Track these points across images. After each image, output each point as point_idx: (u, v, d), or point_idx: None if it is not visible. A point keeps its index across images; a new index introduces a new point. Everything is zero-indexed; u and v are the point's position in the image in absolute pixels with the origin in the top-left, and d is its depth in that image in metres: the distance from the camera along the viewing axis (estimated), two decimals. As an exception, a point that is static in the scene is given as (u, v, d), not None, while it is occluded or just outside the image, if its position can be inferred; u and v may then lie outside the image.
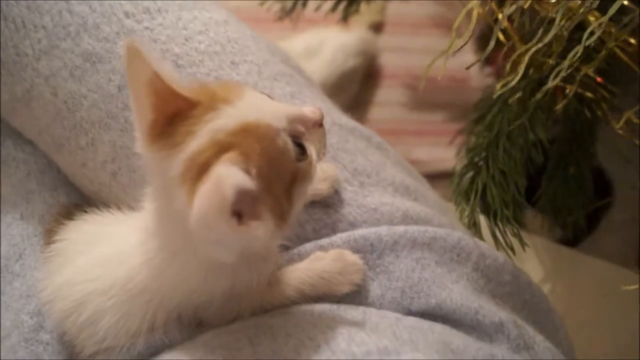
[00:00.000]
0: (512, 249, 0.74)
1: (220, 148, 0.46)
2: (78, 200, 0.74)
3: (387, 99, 1.44)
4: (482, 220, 0.76)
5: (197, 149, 0.47)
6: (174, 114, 0.49)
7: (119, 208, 0.63)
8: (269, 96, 0.54)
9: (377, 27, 1.46)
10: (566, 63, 0.65)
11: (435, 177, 1.25)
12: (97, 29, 0.68)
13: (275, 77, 0.72)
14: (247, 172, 0.45)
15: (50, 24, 0.68)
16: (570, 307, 0.79)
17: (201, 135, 0.48)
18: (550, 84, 0.67)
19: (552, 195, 0.91)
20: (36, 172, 0.75)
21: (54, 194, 0.74)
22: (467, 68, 0.71)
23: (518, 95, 0.71)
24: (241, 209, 0.44)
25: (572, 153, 0.90)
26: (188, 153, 0.47)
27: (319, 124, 0.55)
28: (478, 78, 1.40)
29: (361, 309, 0.60)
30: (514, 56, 0.68)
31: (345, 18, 1.17)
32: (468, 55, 1.21)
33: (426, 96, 1.43)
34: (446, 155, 1.22)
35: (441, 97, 1.42)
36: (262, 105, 0.51)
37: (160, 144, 0.49)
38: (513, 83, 0.66)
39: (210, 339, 0.56)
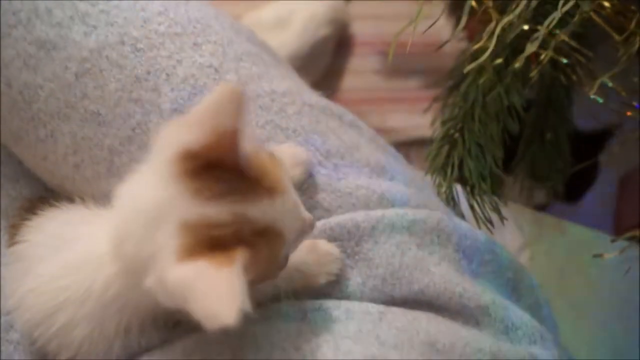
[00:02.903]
0: (490, 222, 0.72)
1: (237, 237, 0.43)
2: (42, 193, 0.69)
3: (360, 68, 1.39)
4: (460, 192, 0.74)
5: (218, 219, 0.43)
6: (216, 165, 0.44)
7: (83, 201, 0.59)
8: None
9: (348, -5, 1.42)
10: (543, 29, 0.63)
11: (411, 145, 1.23)
12: (49, 14, 0.63)
13: (241, 58, 0.67)
14: (245, 273, 0.41)
15: None
16: (550, 274, 0.77)
17: (230, 211, 0.44)
18: (528, 50, 0.64)
19: (529, 162, 0.88)
20: None
21: (16, 187, 0.69)
22: (441, 46, 0.68)
23: (497, 62, 0.68)
24: None
25: (548, 119, 0.87)
26: (206, 214, 0.43)
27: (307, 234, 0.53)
28: (451, 43, 1.36)
29: (343, 306, 0.58)
30: (491, 26, 0.65)
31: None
32: (440, 20, 1.18)
33: (399, 63, 1.39)
34: (422, 122, 1.18)
35: (414, 64, 1.38)
36: (292, 213, 0.48)
37: (184, 178, 0.44)
38: (489, 52, 0.63)
39: (191, 347, 0.53)
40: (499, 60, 0.67)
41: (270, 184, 0.46)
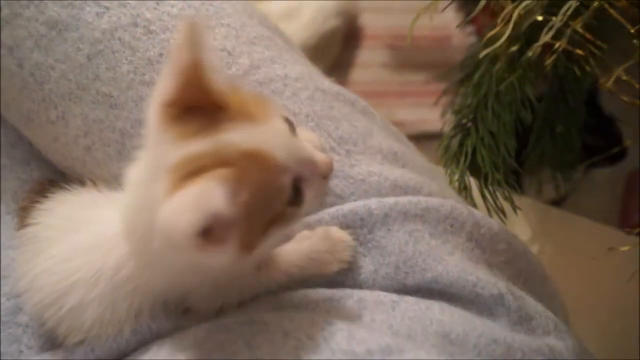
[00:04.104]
0: (503, 212, 0.71)
1: (220, 162, 0.42)
2: (52, 175, 0.68)
3: (369, 60, 1.38)
4: (472, 182, 0.73)
5: (198, 151, 0.43)
6: (196, 106, 0.45)
7: (94, 183, 0.59)
8: (293, 125, 0.49)
9: (358, -13, 1.41)
10: (559, 18, 0.62)
11: (419, 139, 1.22)
12: None
13: (254, 41, 0.66)
14: (234, 196, 0.41)
15: None
16: (559, 268, 0.76)
17: (209, 141, 0.43)
18: (543, 38, 0.63)
19: (539, 155, 0.88)
20: (6, 145, 0.69)
21: (26, 169, 0.68)
22: (458, 26, 0.67)
23: (513, 49, 0.67)
24: (211, 228, 0.40)
25: (559, 112, 0.86)
26: (188, 151, 0.43)
27: (325, 177, 0.51)
28: (460, 37, 1.36)
29: (356, 295, 0.56)
30: (504, 13, 0.64)
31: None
32: (449, 13, 1.17)
33: (408, 56, 1.38)
34: (430, 116, 1.18)
35: (423, 57, 1.37)
36: (281, 138, 0.47)
37: (168, 126, 0.45)
38: (505, 37, 0.62)
39: (203, 336, 0.52)
40: (515, 47, 0.66)
41: (251, 113, 0.46)
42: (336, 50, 1.34)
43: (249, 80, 0.64)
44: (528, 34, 0.69)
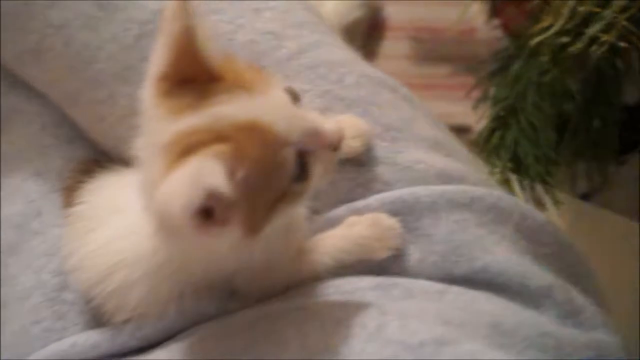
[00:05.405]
0: (543, 204, 0.71)
1: (216, 137, 0.40)
2: (95, 155, 0.68)
3: (392, 52, 1.37)
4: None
5: (193, 126, 0.41)
6: (190, 78, 0.43)
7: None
8: (297, 95, 0.47)
9: (381, -22, 1.40)
10: (610, 10, 0.61)
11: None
12: None
13: (300, 25, 0.66)
14: (232, 173, 0.39)
15: None
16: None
17: (204, 115, 0.41)
18: (592, 30, 0.63)
19: (575, 149, 0.87)
20: (51, 125, 0.68)
21: (70, 148, 0.68)
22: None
23: (563, 40, 0.66)
24: (213, 208, 0.38)
25: (597, 105, 0.86)
26: (182, 126, 0.41)
27: (335, 148, 0.48)
28: (484, 30, 1.35)
29: (402, 284, 0.56)
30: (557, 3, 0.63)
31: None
32: (474, 6, 1.17)
33: (432, 49, 1.37)
34: (453, 109, 1.17)
35: (447, 50, 1.37)
36: (281, 109, 0.44)
37: (161, 101, 0.43)
38: (555, 28, 0.61)
39: (253, 321, 0.51)
40: (566, 39, 0.66)
41: (248, 83, 0.44)
42: (359, 42, 1.33)
43: (295, 64, 0.63)
44: (574, 27, 0.68)
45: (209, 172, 0.37)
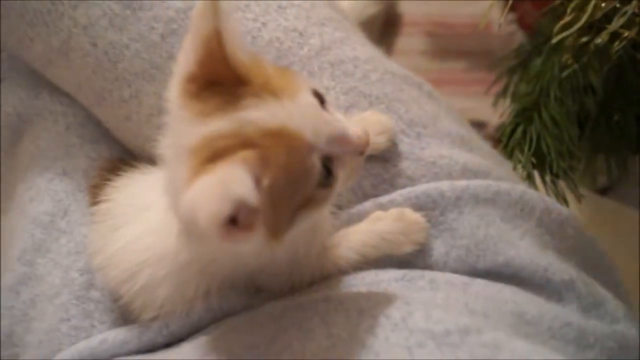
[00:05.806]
0: (565, 200, 0.71)
1: (243, 142, 0.40)
2: (120, 154, 0.69)
3: (407, 47, 1.37)
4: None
5: (219, 130, 0.41)
6: (217, 80, 0.43)
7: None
8: (323, 97, 0.46)
9: (397, -26, 1.40)
10: (633, 5, 0.61)
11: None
12: None
13: (324, 22, 0.66)
14: (259, 180, 0.39)
15: None
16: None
17: (231, 119, 0.41)
18: (614, 25, 0.63)
19: (596, 144, 0.87)
20: (76, 125, 0.69)
21: (96, 148, 0.68)
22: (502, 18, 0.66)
23: (584, 40, 0.66)
24: (237, 215, 0.38)
25: (617, 100, 0.85)
26: (209, 130, 0.41)
27: (361, 152, 0.48)
28: (499, 26, 1.34)
29: (427, 276, 0.56)
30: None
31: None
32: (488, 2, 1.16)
33: (447, 44, 1.37)
34: (468, 104, 1.17)
35: (462, 45, 1.36)
36: (309, 115, 0.44)
37: (188, 102, 0.43)
38: (579, 25, 0.61)
39: (279, 313, 0.52)
40: (587, 37, 0.66)
41: (276, 87, 0.43)
42: (375, 37, 1.33)
43: (319, 61, 0.64)
44: (596, 22, 0.68)
45: (236, 182, 0.37)
